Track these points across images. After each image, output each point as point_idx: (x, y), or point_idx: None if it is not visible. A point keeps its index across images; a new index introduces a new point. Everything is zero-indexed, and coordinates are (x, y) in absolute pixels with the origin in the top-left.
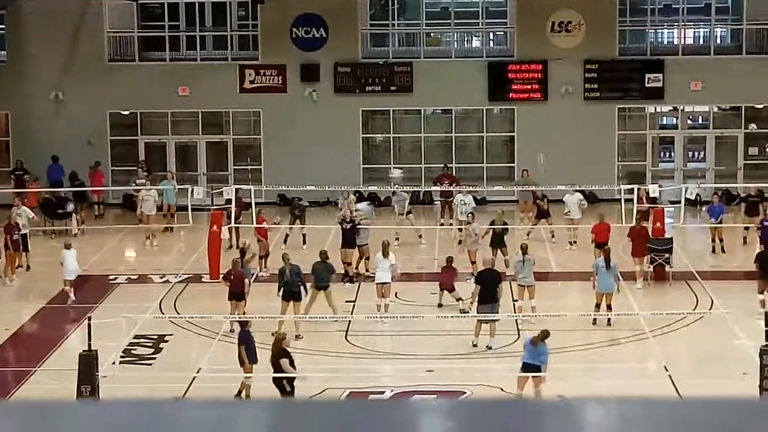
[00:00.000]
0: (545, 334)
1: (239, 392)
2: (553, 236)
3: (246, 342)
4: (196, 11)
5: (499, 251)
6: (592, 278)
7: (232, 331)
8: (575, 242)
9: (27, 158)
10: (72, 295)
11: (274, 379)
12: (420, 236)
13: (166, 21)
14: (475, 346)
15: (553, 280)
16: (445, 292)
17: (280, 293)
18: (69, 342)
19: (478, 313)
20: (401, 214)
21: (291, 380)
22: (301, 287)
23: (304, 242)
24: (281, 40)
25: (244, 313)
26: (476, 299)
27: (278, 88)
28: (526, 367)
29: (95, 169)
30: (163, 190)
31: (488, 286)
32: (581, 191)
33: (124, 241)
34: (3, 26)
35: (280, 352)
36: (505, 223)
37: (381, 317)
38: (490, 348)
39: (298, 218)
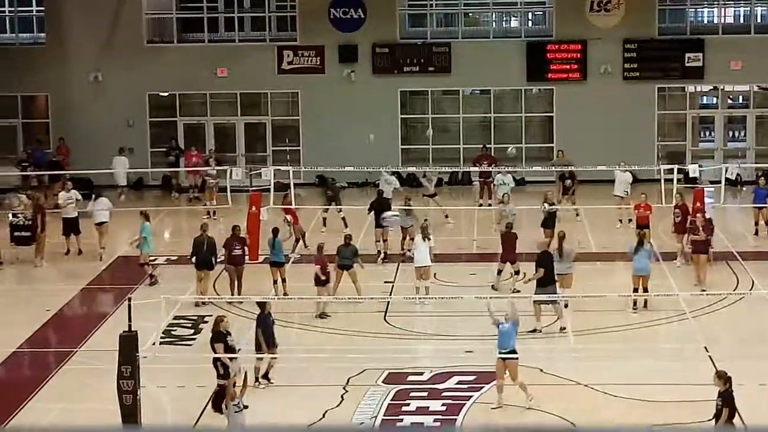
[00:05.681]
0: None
1: (265, 374)
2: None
3: (264, 325)
4: None
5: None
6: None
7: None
8: (630, 220)
9: (67, 140)
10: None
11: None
12: (446, 216)
13: (205, 2)
14: (537, 330)
15: (592, 260)
16: (507, 265)
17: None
18: (109, 322)
19: (536, 295)
20: (426, 195)
21: (225, 364)
22: (213, 259)
23: (346, 225)
24: (319, 21)
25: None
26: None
27: (316, 69)
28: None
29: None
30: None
31: (548, 268)
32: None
33: (163, 222)
34: (42, 8)
35: (216, 335)
36: (553, 204)
37: (420, 299)
38: (564, 329)
39: (332, 200)
